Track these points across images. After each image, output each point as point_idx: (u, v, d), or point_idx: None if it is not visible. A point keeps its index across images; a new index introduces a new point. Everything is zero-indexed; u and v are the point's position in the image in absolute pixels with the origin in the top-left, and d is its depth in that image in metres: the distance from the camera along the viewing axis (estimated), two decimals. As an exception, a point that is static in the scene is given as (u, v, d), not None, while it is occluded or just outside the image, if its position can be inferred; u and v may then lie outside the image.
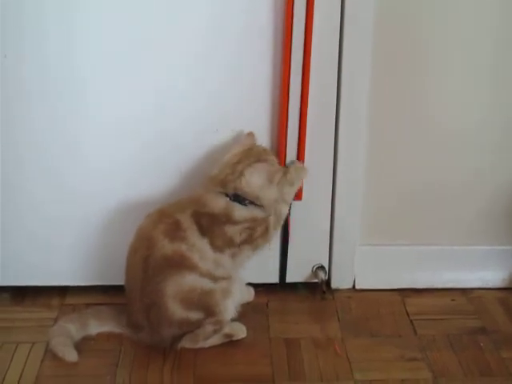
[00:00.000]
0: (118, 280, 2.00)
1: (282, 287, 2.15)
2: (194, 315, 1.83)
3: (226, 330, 1.92)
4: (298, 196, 2.00)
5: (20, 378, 1.81)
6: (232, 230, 1.81)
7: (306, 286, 2.16)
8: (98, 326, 1.94)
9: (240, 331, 1.94)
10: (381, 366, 1.87)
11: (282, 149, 1.94)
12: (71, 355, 1.86)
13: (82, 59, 1.88)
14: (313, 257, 2.14)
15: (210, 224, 1.80)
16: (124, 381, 1.80)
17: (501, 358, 1.89)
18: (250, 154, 1.83)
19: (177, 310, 1.80)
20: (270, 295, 2.13)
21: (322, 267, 2.14)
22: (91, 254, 2.08)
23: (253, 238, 1.85)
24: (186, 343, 1.89)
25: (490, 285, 2.18)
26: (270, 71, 1.90)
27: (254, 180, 1.81)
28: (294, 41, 1.84)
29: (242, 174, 1.79)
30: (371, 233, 2.15)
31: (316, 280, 2.13)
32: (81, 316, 1.95)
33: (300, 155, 1.96)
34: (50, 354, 1.88)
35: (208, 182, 1.84)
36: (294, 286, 2.16)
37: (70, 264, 2.08)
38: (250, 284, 2.05)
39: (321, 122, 1.97)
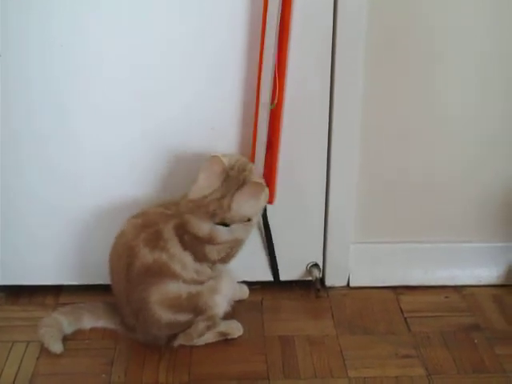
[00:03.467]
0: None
1: (277, 285, 2.15)
2: (183, 317, 1.83)
3: (222, 328, 1.92)
4: (270, 200, 1.97)
5: (16, 377, 1.81)
6: (211, 249, 1.82)
7: (300, 283, 2.16)
8: (93, 320, 1.95)
9: (236, 330, 1.95)
10: (375, 363, 1.87)
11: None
12: (56, 347, 1.87)
13: (78, 58, 1.88)
14: (307, 255, 2.14)
15: (192, 242, 1.80)
16: (119, 379, 1.81)
17: (494, 354, 1.90)
18: (230, 183, 1.78)
19: (164, 315, 1.81)
20: (264, 293, 2.13)
21: (316, 265, 2.14)
22: (86, 253, 2.08)
23: (230, 256, 1.86)
24: (181, 341, 1.89)
25: (484, 282, 2.19)
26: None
27: (242, 208, 1.79)
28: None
29: (229, 208, 1.77)
30: (365, 230, 2.15)
31: (310, 278, 2.13)
32: (75, 309, 1.96)
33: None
34: (45, 353, 1.88)
35: (192, 207, 1.80)
36: (289, 283, 2.16)
37: (64, 263, 2.09)
38: (244, 282, 2.06)
39: (314, 121, 1.97)
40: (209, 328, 1.89)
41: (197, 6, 1.84)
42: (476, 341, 1.95)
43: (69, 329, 1.92)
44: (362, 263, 2.16)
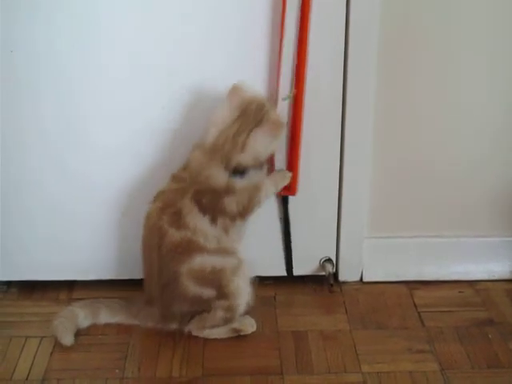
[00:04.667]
0: (126, 274, 2.02)
1: (290, 280, 2.15)
2: (207, 292, 1.84)
3: (235, 324, 1.92)
4: (292, 191, 2.00)
5: (29, 372, 1.82)
6: (230, 201, 1.81)
7: (313, 278, 2.16)
8: (109, 316, 1.95)
9: (249, 326, 1.95)
10: (388, 358, 1.87)
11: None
12: (66, 339, 1.89)
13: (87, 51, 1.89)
14: (320, 250, 2.14)
15: (211, 200, 1.80)
16: (133, 374, 1.81)
17: (509, 349, 1.89)
18: (247, 118, 1.75)
19: (190, 287, 1.82)
20: (277, 288, 2.13)
21: (329, 260, 2.14)
22: (99, 248, 2.08)
23: (248, 209, 1.85)
24: (192, 327, 1.91)
25: (497, 276, 2.18)
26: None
27: (257, 148, 1.78)
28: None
29: (244, 147, 1.75)
30: (378, 225, 2.15)
31: (323, 273, 2.13)
32: (93, 304, 1.96)
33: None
34: (58, 348, 1.89)
35: (206, 152, 1.79)
36: (302, 278, 2.16)
37: (77, 258, 2.09)
38: (257, 277, 2.05)
39: (326, 115, 1.97)
40: (226, 321, 1.89)
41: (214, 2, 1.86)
42: (490, 336, 1.95)
43: (84, 322, 1.93)
44: (375, 258, 2.16)
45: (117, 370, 1.82)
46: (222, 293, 1.85)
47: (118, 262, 2.08)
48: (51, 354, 1.87)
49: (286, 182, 1.96)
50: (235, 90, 1.77)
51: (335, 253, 2.14)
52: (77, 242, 2.07)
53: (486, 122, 2.05)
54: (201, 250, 1.81)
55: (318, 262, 2.14)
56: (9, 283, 2.12)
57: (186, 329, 1.91)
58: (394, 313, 2.04)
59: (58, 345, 1.89)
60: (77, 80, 1.90)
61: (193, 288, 1.83)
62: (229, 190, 1.80)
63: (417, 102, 2.02)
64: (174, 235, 1.80)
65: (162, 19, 1.86)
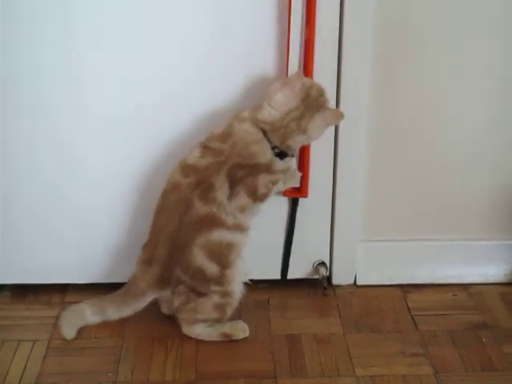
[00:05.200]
0: (119, 277, 2.01)
1: (284, 284, 2.15)
2: (211, 267, 1.84)
3: (226, 329, 1.93)
4: (304, 193, 2.01)
5: (22, 376, 1.81)
6: (263, 180, 1.84)
7: (307, 282, 2.16)
8: (116, 312, 1.95)
9: (241, 331, 1.95)
10: (382, 361, 1.87)
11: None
12: (68, 333, 1.92)
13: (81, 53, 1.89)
14: (314, 253, 2.14)
15: (246, 174, 1.82)
16: (126, 377, 1.81)
17: (502, 352, 1.89)
18: (310, 103, 1.80)
19: (199, 257, 1.83)
20: (271, 291, 2.13)
21: (323, 263, 2.14)
22: (92, 251, 2.08)
23: (270, 192, 1.87)
24: (183, 319, 1.92)
25: (491, 280, 2.19)
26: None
27: (315, 132, 1.83)
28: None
29: (305, 129, 1.80)
30: (372, 229, 2.15)
31: (317, 276, 2.13)
32: (100, 300, 1.96)
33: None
34: (51, 352, 1.88)
35: (259, 127, 1.82)
36: (296, 282, 2.16)
37: (70, 262, 2.08)
38: (251, 280, 2.05)
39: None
40: (218, 310, 1.89)
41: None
42: (484, 339, 1.95)
43: (92, 319, 1.95)
44: (368, 261, 2.16)
45: (110, 374, 1.82)
46: (223, 274, 1.85)
47: (111, 266, 2.08)
48: (44, 357, 1.87)
49: (294, 182, 1.97)
50: (298, 76, 1.81)
51: (329, 256, 2.14)
52: (70, 246, 2.07)
53: (478, 126, 2.05)
54: (221, 224, 1.82)
55: (311, 266, 2.14)
56: (2, 287, 2.12)
57: (178, 320, 1.92)
58: (388, 316, 2.04)
59: (50, 348, 1.89)
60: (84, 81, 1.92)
61: (201, 259, 1.83)
62: (268, 168, 1.83)
63: (410, 107, 2.02)
64: (200, 208, 1.81)
65: (171, 28, 1.88)
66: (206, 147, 1.84)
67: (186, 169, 1.84)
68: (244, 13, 1.86)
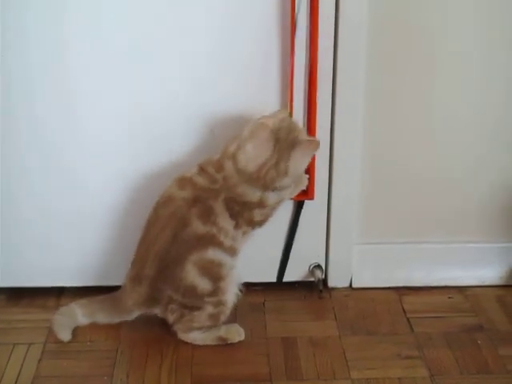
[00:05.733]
0: (113, 281, 2.01)
1: (279, 286, 2.15)
2: (203, 284, 1.84)
3: (222, 332, 1.93)
4: (310, 195, 2.02)
5: (17, 379, 1.81)
6: (258, 213, 1.84)
7: (303, 284, 2.16)
8: (105, 318, 1.96)
9: (236, 334, 1.95)
10: (378, 364, 1.87)
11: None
12: (63, 335, 1.92)
13: (81, 53, 1.88)
14: (309, 256, 2.14)
15: (241, 210, 1.82)
16: (121, 381, 1.80)
17: (498, 355, 1.89)
18: (282, 145, 1.77)
19: (191, 274, 1.82)
20: (266, 294, 2.13)
21: (318, 266, 2.14)
22: (87, 254, 2.08)
23: (268, 217, 1.88)
24: (179, 327, 1.91)
25: (487, 282, 2.19)
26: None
27: (298, 169, 1.83)
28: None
29: (286, 172, 1.78)
30: (367, 231, 2.15)
31: (313, 279, 2.13)
32: (90, 305, 1.97)
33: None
34: (47, 355, 1.88)
35: (248, 179, 1.80)
36: (291, 284, 2.16)
37: (66, 265, 2.08)
38: (246, 283, 2.04)
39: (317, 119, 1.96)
40: (212, 319, 1.89)
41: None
42: (479, 341, 1.95)
43: (83, 320, 1.96)
44: (364, 264, 2.16)
45: (105, 377, 1.81)
46: (216, 287, 1.85)
47: (105, 268, 2.08)
48: (39, 360, 1.87)
49: (302, 186, 1.97)
50: (261, 126, 1.77)
51: (324, 259, 2.14)
52: (65, 249, 2.07)
53: (474, 131, 2.05)
54: (218, 244, 1.82)
55: (307, 268, 2.14)
56: (-3, 290, 2.12)
57: (172, 329, 1.92)
58: (384, 319, 2.04)
59: (46, 352, 1.89)
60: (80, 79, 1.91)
61: (193, 276, 1.83)
62: (261, 204, 1.83)
63: (405, 109, 2.02)
64: (199, 227, 1.80)
65: (175, 23, 1.88)
66: (202, 169, 1.85)
67: (182, 181, 1.84)
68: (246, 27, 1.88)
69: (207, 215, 1.80)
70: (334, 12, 1.87)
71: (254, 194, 1.81)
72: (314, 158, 1.95)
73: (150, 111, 1.94)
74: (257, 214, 1.84)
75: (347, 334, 1.98)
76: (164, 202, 1.85)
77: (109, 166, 1.99)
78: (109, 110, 1.94)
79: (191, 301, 1.86)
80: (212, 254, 1.82)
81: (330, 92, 1.95)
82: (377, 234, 2.16)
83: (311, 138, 1.85)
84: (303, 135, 1.82)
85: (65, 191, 2.01)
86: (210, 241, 1.81)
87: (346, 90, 1.94)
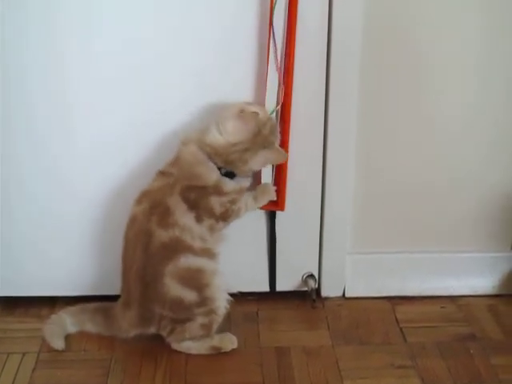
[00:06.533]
0: (109, 290, 2.01)
1: (272, 296, 2.15)
2: (188, 295, 1.83)
3: (215, 342, 1.93)
4: (281, 206, 2.00)
5: (11, 388, 1.81)
6: (216, 201, 1.83)
7: (296, 294, 2.16)
8: (93, 328, 1.96)
9: (229, 343, 1.95)
10: (371, 373, 1.87)
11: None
12: (57, 344, 1.93)
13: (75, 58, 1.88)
14: (303, 265, 2.14)
15: (198, 197, 1.81)
16: (115, 390, 1.81)
17: (490, 364, 1.90)
18: (258, 139, 1.80)
19: (172, 287, 1.82)
20: (260, 304, 2.13)
21: (311, 276, 2.14)
22: (81, 264, 2.08)
23: (229, 212, 1.86)
24: (172, 339, 1.91)
25: (479, 292, 2.20)
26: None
27: (256, 166, 1.85)
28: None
29: (247, 162, 1.81)
30: (361, 241, 2.16)
31: (306, 288, 2.14)
32: (80, 314, 1.97)
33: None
34: (41, 364, 1.88)
35: (204, 150, 1.81)
36: (285, 294, 2.16)
37: (60, 275, 2.09)
38: (240, 293, 2.05)
39: (309, 132, 1.97)
40: (205, 328, 1.89)
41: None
42: (472, 351, 1.95)
43: (72, 328, 1.97)
44: (357, 274, 2.16)
45: (99, 387, 1.82)
46: (203, 297, 1.85)
47: (100, 278, 2.08)
48: (33, 370, 1.87)
49: (268, 197, 1.96)
50: (254, 114, 1.80)
51: (318, 268, 2.15)
52: (59, 259, 2.07)
53: (467, 144, 2.06)
54: (187, 249, 1.82)
55: (300, 278, 2.15)
56: (-8, 299, 2.12)
57: (166, 340, 1.92)
58: (377, 328, 2.05)
59: (40, 361, 1.89)
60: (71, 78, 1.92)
61: (174, 289, 1.82)
62: (218, 190, 1.82)
63: (398, 121, 2.03)
64: (161, 235, 1.80)
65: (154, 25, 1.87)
66: (159, 173, 1.86)
67: (140, 197, 1.86)
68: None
69: (165, 218, 1.80)
70: (326, 42, 1.90)
71: (211, 175, 1.81)
72: (285, 171, 1.95)
73: (142, 119, 1.94)
74: (215, 203, 1.83)
75: (340, 344, 1.98)
76: (130, 224, 1.86)
77: (105, 177, 1.99)
78: (102, 119, 1.94)
79: (181, 314, 1.86)
80: (185, 261, 1.82)
81: (323, 103, 1.96)
82: (370, 243, 2.16)
83: (282, 150, 1.87)
84: (277, 142, 1.86)
85: (61, 202, 2.01)
86: (178, 247, 1.81)
87: (338, 101, 1.95)
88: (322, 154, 2.01)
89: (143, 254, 1.81)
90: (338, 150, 2.01)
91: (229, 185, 1.83)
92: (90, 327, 1.97)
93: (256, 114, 1.79)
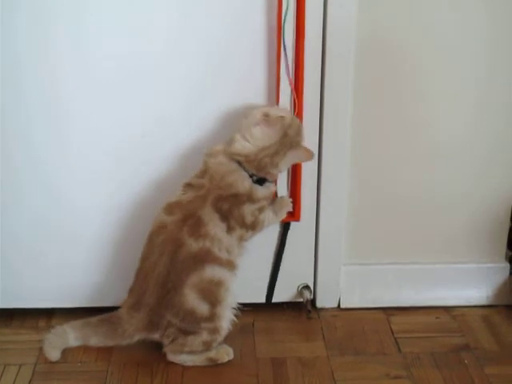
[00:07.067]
0: (105, 302, 2.02)
1: (268, 307, 2.16)
2: (201, 308, 1.85)
3: (211, 354, 1.93)
4: (296, 217, 2.04)
5: (8, 400, 1.81)
6: (248, 209, 1.86)
7: (291, 305, 2.17)
8: (99, 342, 1.95)
9: (225, 355, 1.96)
10: (366, 383, 1.88)
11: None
12: (52, 355, 1.93)
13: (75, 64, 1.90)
14: (298, 276, 2.15)
15: (231, 206, 1.83)
16: (112, 401, 1.81)
17: (484, 374, 1.91)
18: (285, 141, 1.83)
19: (190, 298, 1.83)
20: (256, 315, 2.14)
21: (307, 287, 2.15)
22: (79, 275, 2.09)
23: (257, 220, 1.89)
24: (169, 349, 1.92)
25: (474, 302, 2.21)
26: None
27: (285, 166, 1.89)
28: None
29: (277, 165, 1.84)
30: (355, 252, 2.16)
31: (301, 299, 2.15)
32: (84, 328, 1.96)
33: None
34: (37, 376, 1.89)
35: (234, 159, 1.84)
36: (280, 305, 2.17)
37: (57, 286, 2.09)
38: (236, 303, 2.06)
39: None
40: (206, 345, 1.90)
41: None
42: (466, 361, 1.96)
43: (75, 343, 1.96)
44: (352, 285, 2.17)
45: (96, 398, 1.82)
46: (213, 312, 1.86)
47: (97, 290, 2.09)
48: (30, 382, 1.87)
49: (286, 209, 1.99)
50: (280, 118, 1.83)
51: (313, 279, 2.16)
52: (56, 270, 2.08)
53: (460, 157, 2.08)
54: (214, 260, 1.84)
55: (295, 289, 2.15)
56: (-11, 311, 2.12)
57: (164, 349, 1.92)
58: (372, 339, 2.06)
59: (36, 373, 1.89)
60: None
61: (192, 300, 1.83)
62: (250, 197, 1.85)
63: (393, 134, 2.05)
64: (192, 245, 1.81)
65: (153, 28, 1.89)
66: (187, 185, 1.88)
67: (170, 207, 1.86)
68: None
69: (197, 229, 1.81)
70: (321, 46, 1.91)
71: (244, 182, 1.83)
72: (299, 181, 1.99)
73: (139, 133, 1.96)
74: (247, 212, 1.85)
75: (336, 354, 1.99)
76: (157, 231, 1.86)
77: (100, 188, 2.00)
78: (97, 132, 1.95)
79: (189, 325, 1.87)
80: (210, 271, 1.83)
81: (318, 114, 1.97)
82: (365, 255, 2.17)
83: (309, 149, 1.89)
84: (303, 142, 1.89)
85: (58, 213, 2.02)
86: (206, 257, 1.82)
87: (332, 114, 1.97)
88: (316, 167, 2.02)
89: (170, 261, 1.82)
90: (333, 163, 2.02)
91: (260, 191, 1.86)
92: (95, 341, 1.95)
93: (281, 117, 1.83)
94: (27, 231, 2.03)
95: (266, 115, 1.83)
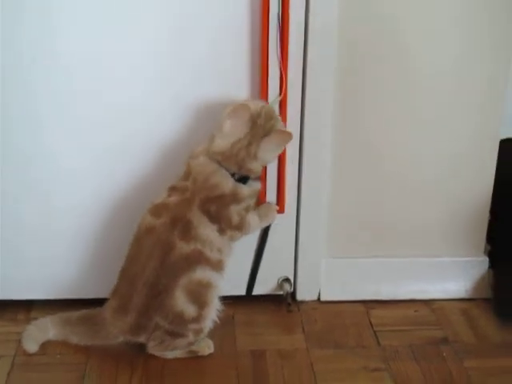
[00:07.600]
0: (85, 294, 2.02)
1: (248, 300, 2.16)
2: (190, 310, 1.84)
3: (192, 346, 1.94)
4: (281, 209, 2.04)
5: (-14, 392, 1.81)
6: (234, 210, 1.85)
7: (271, 298, 2.18)
8: (79, 341, 1.95)
9: (206, 348, 1.96)
10: (345, 376, 1.89)
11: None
12: (29, 346, 1.93)
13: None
14: (278, 269, 2.15)
15: (218, 208, 1.83)
16: (91, 394, 1.81)
17: (463, 367, 1.92)
18: (257, 130, 1.81)
19: (180, 300, 1.83)
20: (236, 307, 2.13)
21: (287, 279, 2.16)
22: (57, 267, 2.08)
23: (244, 220, 1.88)
24: (153, 348, 1.91)
25: (453, 296, 2.22)
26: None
27: (266, 156, 1.86)
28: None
29: (255, 155, 1.82)
30: (336, 245, 2.17)
31: (281, 292, 2.15)
32: (65, 326, 1.96)
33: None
34: (16, 368, 1.88)
35: (214, 160, 1.83)
36: (260, 298, 2.18)
37: (36, 278, 2.08)
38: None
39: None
40: (189, 345, 1.91)
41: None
42: (445, 354, 1.97)
43: (55, 338, 1.96)
44: (332, 278, 2.18)
45: (75, 390, 1.82)
46: (199, 314, 1.86)
47: (77, 282, 2.08)
48: (8, 373, 1.87)
49: (271, 216, 2.00)
50: (243, 107, 1.81)
51: (293, 272, 2.16)
52: (36, 262, 2.07)
53: (439, 147, 2.08)
54: (206, 261, 1.84)
55: (276, 282, 2.16)
56: (-33, 303, 2.11)
57: (148, 350, 1.92)
58: (351, 332, 2.07)
59: (15, 364, 1.89)
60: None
61: (181, 303, 1.83)
62: (235, 197, 1.84)
63: (374, 129, 2.05)
64: (183, 247, 1.81)
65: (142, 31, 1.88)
66: (171, 188, 1.87)
67: (156, 209, 1.85)
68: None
69: (187, 232, 1.81)
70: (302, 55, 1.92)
71: (227, 183, 1.82)
72: (283, 175, 1.99)
73: (122, 133, 1.96)
74: (233, 213, 1.84)
75: (315, 347, 2.00)
76: (145, 233, 1.84)
77: (80, 181, 2.00)
78: (77, 129, 1.95)
79: (176, 327, 1.86)
80: (200, 273, 1.83)
81: (300, 108, 1.97)
82: (344, 248, 2.18)
83: (285, 129, 1.88)
84: (280, 125, 1.87)
85: (37, 206, 2.01)
86: (198, 259, 1.82)
87: (314, 107, 1.97)
88: (297, 159, 2.03)
89: (160, 265, 1.81)
90: (314, 156, 2.02)
91: (244, 189, 1.85)
92: (76, 340, 1.95)
93: (245, 105, 1.81)
94: (5, 223, 2.02)
95: (232, 108, 1.81)
